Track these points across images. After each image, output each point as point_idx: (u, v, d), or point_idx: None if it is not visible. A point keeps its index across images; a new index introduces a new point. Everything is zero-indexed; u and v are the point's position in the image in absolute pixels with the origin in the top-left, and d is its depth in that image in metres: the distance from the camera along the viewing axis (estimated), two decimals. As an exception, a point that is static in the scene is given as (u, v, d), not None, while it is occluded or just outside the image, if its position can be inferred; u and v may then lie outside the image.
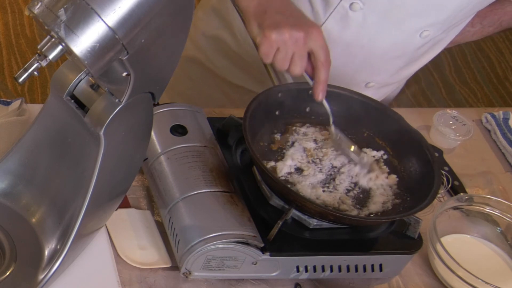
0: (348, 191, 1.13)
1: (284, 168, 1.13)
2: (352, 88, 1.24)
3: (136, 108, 0.94)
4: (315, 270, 1.09)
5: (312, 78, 1.15)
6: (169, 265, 1.07)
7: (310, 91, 1.20)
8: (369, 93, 1.30)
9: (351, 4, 1.27)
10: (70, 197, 1.00)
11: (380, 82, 1.42)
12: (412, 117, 1.31)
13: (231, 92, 1.49)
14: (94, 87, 0.95)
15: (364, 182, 1.15)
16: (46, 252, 1.00)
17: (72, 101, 0.96)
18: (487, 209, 1.25)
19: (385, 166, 1.18)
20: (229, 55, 1.44)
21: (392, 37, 1.31)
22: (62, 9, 0.79)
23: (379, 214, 1.11)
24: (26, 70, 0.84)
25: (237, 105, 1.46)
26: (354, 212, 1.11)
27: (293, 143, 1.18)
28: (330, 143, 1.18)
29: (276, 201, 1.09)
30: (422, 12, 1.27)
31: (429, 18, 1.28)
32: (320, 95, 1.15)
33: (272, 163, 1.14)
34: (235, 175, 1.12)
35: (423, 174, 1.14)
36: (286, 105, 1.18)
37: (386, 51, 1.33)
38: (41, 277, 0.98)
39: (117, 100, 0.91)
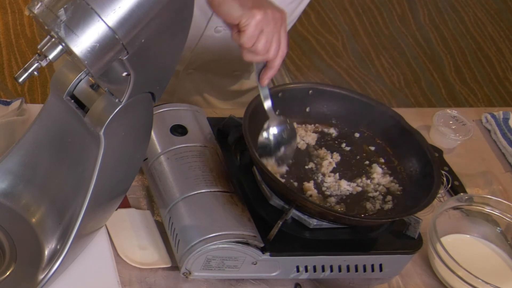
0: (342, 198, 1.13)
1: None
2: (202, 33, 1.23)
3: (136, 108, 0.94)
4: (315, 270, 1.09)
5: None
6: (169, 265, 1.07)
7: (310, 91, 1.20)
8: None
9: None
10: (70, 197, 1.00)
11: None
12: (412, 117, 1.31)
13: None
14: (94, 87, 0.95)
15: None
16: (46, 252, 1.00)
17: (72, 101, 0.96)
18: (487, 209, 1.25)
19: (384, 167, 1.18)
20: None
21: None
22: (62, 9, 0.79)
23: (378, 214, 1.11)
24: (26, 70, 0.84)
25: None
26: (354, 212, 1.11)
27: None
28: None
29: (276, 201, 1.09)
30: None
31: None
32: (266, 81, 1.09)
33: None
34: (235, 175, 1.12)
35: (423, 174, 1.14)
36: (286, 105, 1.18)
37: None
38: (41, 277, 0.98)
39: (117, 100, 0.91)
